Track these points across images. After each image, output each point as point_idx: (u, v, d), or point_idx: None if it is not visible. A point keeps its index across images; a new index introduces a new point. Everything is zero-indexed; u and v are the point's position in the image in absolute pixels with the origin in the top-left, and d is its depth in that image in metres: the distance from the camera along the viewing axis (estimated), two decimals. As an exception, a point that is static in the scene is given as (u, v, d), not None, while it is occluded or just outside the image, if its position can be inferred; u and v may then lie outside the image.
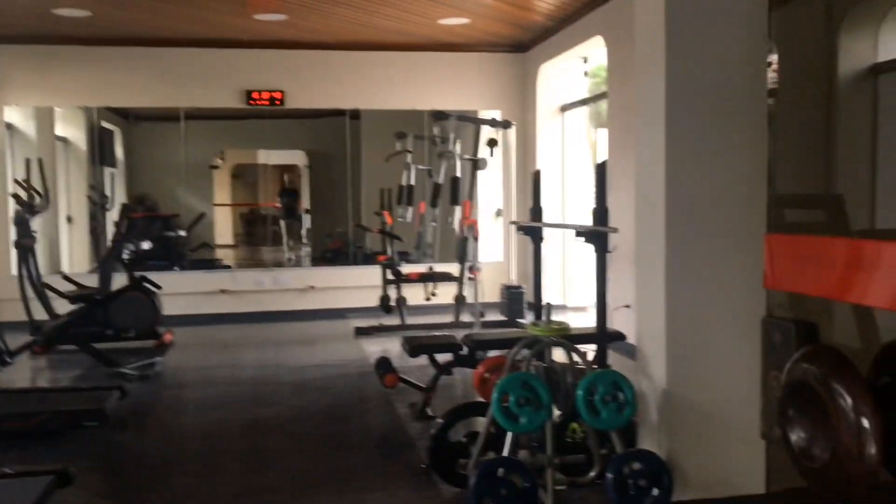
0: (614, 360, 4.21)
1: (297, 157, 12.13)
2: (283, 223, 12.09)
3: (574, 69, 8.87)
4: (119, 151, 10.42)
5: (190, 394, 6.01)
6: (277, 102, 9.19)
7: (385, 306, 8.25)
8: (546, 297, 4.72)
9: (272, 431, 4.97)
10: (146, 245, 7.71)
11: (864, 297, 1.79)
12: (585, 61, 8.60)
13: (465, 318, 7.92)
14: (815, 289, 1.99)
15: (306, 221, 11.90)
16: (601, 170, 4.13)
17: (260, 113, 9.60)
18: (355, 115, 10.14)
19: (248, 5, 7.36)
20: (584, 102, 8.93)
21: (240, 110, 9.30)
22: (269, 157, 12.03)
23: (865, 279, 1.80)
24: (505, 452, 3.44)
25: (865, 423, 1.73)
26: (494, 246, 9.79)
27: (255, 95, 9.11)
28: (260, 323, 8.89)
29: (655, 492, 3.33)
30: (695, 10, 3.46)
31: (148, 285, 7.05)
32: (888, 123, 4.69)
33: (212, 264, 10.48)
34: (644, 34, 3.67)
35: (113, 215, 9.36)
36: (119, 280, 7.18)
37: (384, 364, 5.42)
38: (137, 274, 7.12)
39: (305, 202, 12.01)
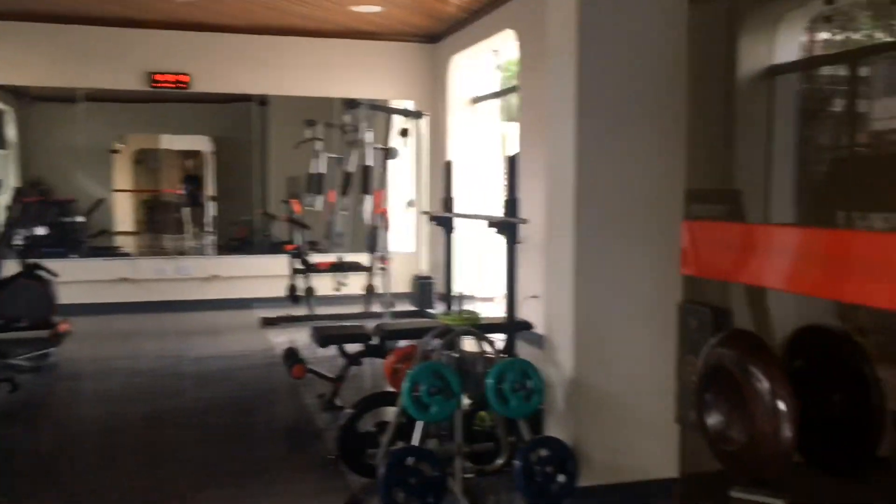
0: (522, 349, 4.27)
1: (202, 143, 11.80)
2: (186, 210, 11.76)
3: (486, 61, 8.93)
4: (11, 132, 9.90)
5: (86, 386, 5.78)
6: (183, 86, 8.89)
7: (293, 296, 8.12)
8: (457, 288, 4.75)
9: (174, 424, 4.83)
10: (41, 231, 7.37)
11: (778, 282, 1.86)
12: (496, 54, 8.67)
13: (375, 308, 7.88)
14: (730, 274, 2.06)
15: (211, 209, 11.60)
16: (512, 162, 4.17)
17: (164, 96, 9.29)
18: (264, 101, 9.94)
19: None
20: (495, 95, 9.00)
21: (143, 93, 8.96)
22: (173, 142, 11.68)
23: (777, 264, 1.87)
24: (414, 442, 3.44)
25: (782, 405, 1.80)
26: (405, 236, 9.77)
27: (159, 78, 8.79)
28: (162, 313, 8.62)
29: (562, 478, 3.39)
30: (608, 2, 3.51)
31: (42, 273, 6.73)
32: (782, 123, 4.90)
33: (111, 252, 10.10)
34: (555, 27, 3.72)
35: (4, 199, 8.91)
36: (11, 267, 6.83)
37: (292, 354, 5.34)
38: (31, 261, 6.79)
39: (210, 189, 11.71)
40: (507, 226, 4.01)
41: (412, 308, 8.59)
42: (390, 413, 3.68)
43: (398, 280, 8.22)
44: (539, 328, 4.35)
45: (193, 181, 11.83)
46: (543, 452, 3.39)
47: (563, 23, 3.61)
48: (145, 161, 12.31)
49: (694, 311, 2.16)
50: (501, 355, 3.67)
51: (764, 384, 1.82)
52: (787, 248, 1.83)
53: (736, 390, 1.86)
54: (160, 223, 12.21)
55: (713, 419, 1.96)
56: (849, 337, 2.11)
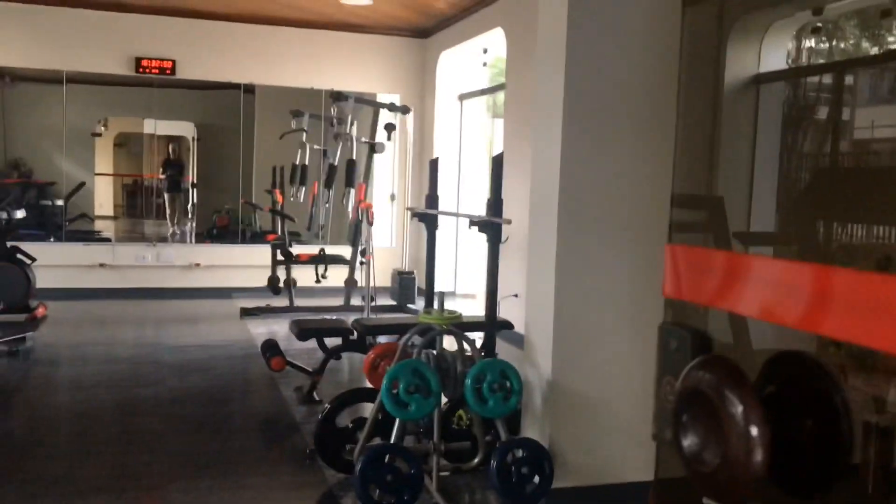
0: (501, 348, 4.29)
1: (185, 129, 11.70)
2: (167, 196, 11.67)
3: (474, 59, 8.93)
4: (-8, 113, 9.78)
5: (62, 372, 5.74)
6: (168, 72, 8.84)
7: (274, 287, 8.11)
8: (437, 284, 4.76)
9: (150, 413, 4.81)
10: (20, 213, 7.27)
11: (754, 311, 1.89)
12: (485, 52, 8.67)
13: (356, 301, 7.88)
14: (710, 300, 2.09)
15: (193, 195, 11.52)
16: (497, 162, 4.18)
17: (149, 81, 9.21)
18: (250, 89, 9.87)
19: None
20: (482, 92, 9.01)
21: (127, 76, 8.89)
22: (157, 126, 11.56)
23: (754, 293, 1.91)
24: (392, 439, 3.45)
25: (754, 431, 1.83)
26: (387, 231, 9.77)
27: (144, 63, 8.72)
28: (141, 300, 8.57)
29: (537, 479, 3.41)
30: (600, 4, 3.51)
31: (21, 256, 6.67)
32: (765, 132, 4.95)
33: (91, 236, 10.00)
34: (546, 27, 3.72)
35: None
36: (-12, 249, 6.76)
37: (271, 346, 5.33)
38: (9, 244, 6.72)
39: (193, 176, 11.62)
40: (490, 225, 4.02)
41: (392, 303, 8.59)
42: (368, 409, 3.69)
43: (379, 274, 8.21)
44: (519, 328, 4.37)
45: (176, 167, 11.73)
46: (520, 453, 3.42)
47: (553, 23, 3.62)
48: (127, 145, 12.19)
49: (674, 333, 2.19)
50: (481, 355, 3.68)
51: (738, 409, 1.85)
52: (764, 278, 1.88)
53: (711, 414, 1.89)
54: (141, 208, 12.10)
55: (689, 441, 1.99)
56: (821, 364, 2.15)
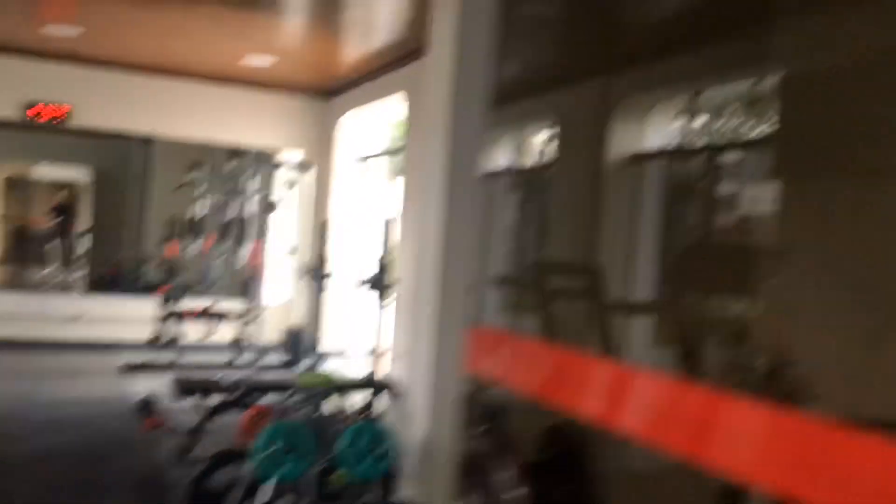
0: (390, 407, 4.31)
1: (79, 174, 11.41)
2: (54, 243, 11.28)
3: (377, 121, 9.08)
4: None
5: (-78, 427, 5.42)
6: (62, 118, 8.58)
7: (160, 342, 7.90)
8: (329, 342, 4.77)
9: (16, 472, 4.59)
10: None
11: (526, 386, 2.06)
12: (387, 116, 8.84)
13: (244, 358, 7.75)
14: (498, 377, 2.24)
15: (83, 243, 11.17)
16: (386, 224, 4.28)
17: (42, 126, 8.96)
18: (148, 139, 9.74)
19: (39, 14, 6.90)
20: (382, 154, 9.15)
21: (18, 121, 8.63)
22: (49, 171, 11.24)
23: (524, 369, 2.06)
24: (265, 500, 3.41)
25: (517, 494, 1.96)
26: (283, 286, 9.68)
27: (38, 108, 8.46)
28: (18, 351, 8.17)
29: (409, 541, 3.43)
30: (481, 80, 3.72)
31: None
32: (647, 205, 5.25)
33: (-33, 283, 9.55)
34: (433, 97, 3.89)
35: None
36: None
37: (146, 405, 5.18)
38: None
39: (84, 222, 11.29)
40: (378, 285, 4.10)
41: (283, 359, 8.48)
42: (246, 469, 3.64)
43: (272, 330, 8.13)
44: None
45: (63, 212, 11.39)
46: (392, 515, 3.43)
47: (439, 93, 3.79)
48: (15, 189, 11.80)
49: (470, 405, 2.35)
50: (360, 416, 3.71)
51: (504, 475, 2.00)
52: (535, 361, 2.06)
53: (486, 479, 2.03)
54: (25, 255, 11.66)
55: (470, 502, 2.12)
56: (582, 432, 2.33)
